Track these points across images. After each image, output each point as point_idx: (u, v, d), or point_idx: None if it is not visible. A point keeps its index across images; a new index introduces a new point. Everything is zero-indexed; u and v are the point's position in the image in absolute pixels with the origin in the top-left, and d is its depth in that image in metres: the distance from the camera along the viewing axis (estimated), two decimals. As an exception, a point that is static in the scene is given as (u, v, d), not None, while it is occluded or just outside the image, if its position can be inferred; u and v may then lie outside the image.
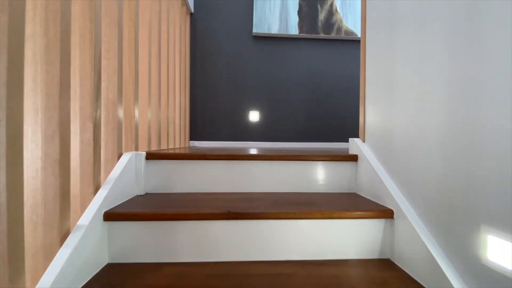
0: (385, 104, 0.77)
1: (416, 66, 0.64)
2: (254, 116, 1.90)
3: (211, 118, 1.89)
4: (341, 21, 1.87)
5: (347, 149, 1.34)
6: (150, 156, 0.85)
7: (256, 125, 1.91)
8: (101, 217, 0.64)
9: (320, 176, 0.90)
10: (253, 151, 1.07)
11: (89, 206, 0.63)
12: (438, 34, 0.57)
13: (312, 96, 1.93)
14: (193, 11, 1.84)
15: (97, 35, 0.70)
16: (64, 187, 0.58)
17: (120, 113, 0.82)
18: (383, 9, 0.79)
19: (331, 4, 1.87)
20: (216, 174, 0.87)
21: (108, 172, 0.77)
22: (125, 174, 0.78)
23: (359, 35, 1.87)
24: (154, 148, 1.14)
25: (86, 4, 0.67)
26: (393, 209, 0.69)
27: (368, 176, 0.83)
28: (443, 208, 0.55)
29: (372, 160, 0.82)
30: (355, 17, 1.87)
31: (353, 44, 1.93)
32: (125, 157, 0.80)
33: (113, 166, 0.79)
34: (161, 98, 1.25)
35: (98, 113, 0.70)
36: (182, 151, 0.95)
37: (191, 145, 1.87)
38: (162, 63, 1.27)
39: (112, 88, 0.78)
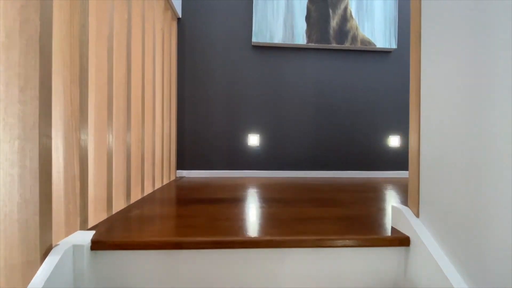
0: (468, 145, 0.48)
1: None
2: (253, 140, 1.60)
3: (203, 142, 1.59)
4: (356, 28, 1.58)
5: (366, 182, 1.00)
6: (98, 245, 0.55)
7: (256, 151, 1.62)
8: None
9: (353, 268, 0.60)
10: (252, 205, 0.78)
11: None
12: None
13: (323, 117, 1.64)
14: (180, 16, 1.54)
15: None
16: None
17: (51, 177, 0.52)
18: (458, 9, 0.51)
19: (345, 9, 1.58)
20: (195, 275, 0.58)
21: (29, 278, 0.48)
22: (53, 283, 0.48)
23: (377, 44, 1.59)
24: (119, 206, 0.83)
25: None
26: None
27: (429, 279, 0.54)
28: None
29: (437, 254, 0.53)
30: (373, 24, 1.58)
31: (371, 55, 1.64)
32: (55, 256, 0.50)
33: (36, 270, 0.49)
34: (131, 129, 0.95)
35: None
36: (162, 217, 0.66)
37: (178, 175, 1.57)
38: (134, 83, 0.98)
39: (33, 139, 0.49)
